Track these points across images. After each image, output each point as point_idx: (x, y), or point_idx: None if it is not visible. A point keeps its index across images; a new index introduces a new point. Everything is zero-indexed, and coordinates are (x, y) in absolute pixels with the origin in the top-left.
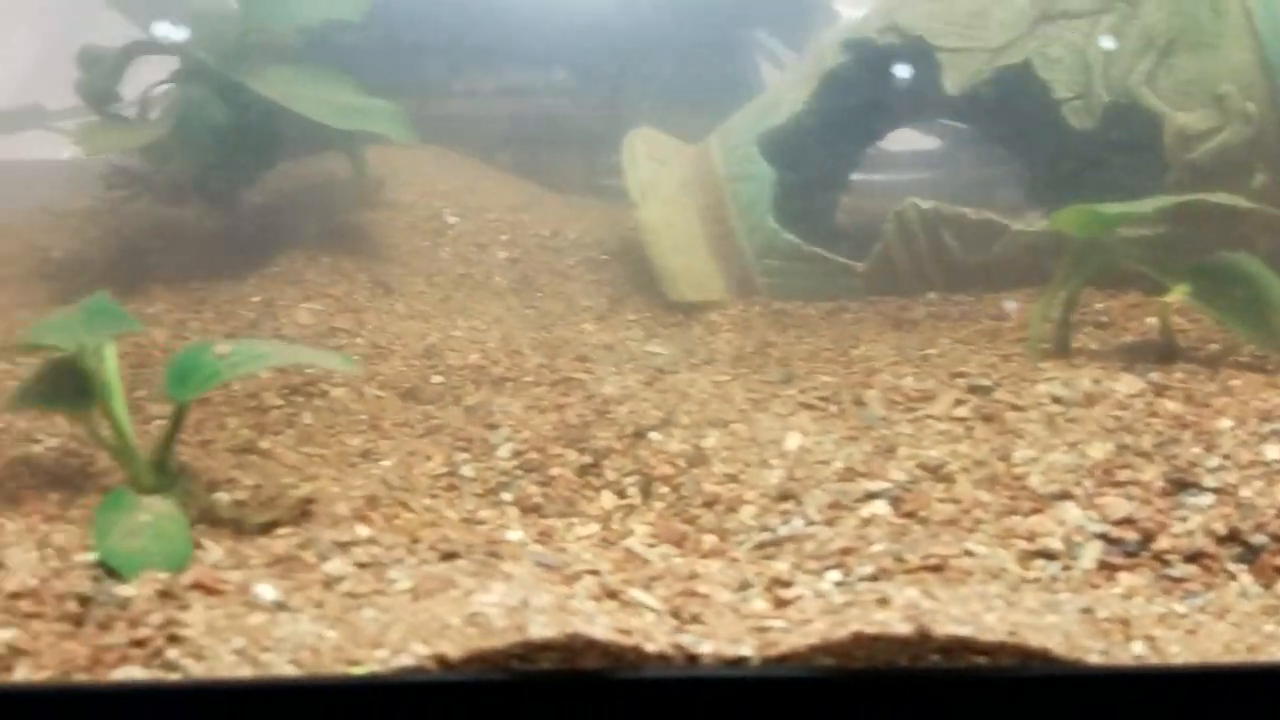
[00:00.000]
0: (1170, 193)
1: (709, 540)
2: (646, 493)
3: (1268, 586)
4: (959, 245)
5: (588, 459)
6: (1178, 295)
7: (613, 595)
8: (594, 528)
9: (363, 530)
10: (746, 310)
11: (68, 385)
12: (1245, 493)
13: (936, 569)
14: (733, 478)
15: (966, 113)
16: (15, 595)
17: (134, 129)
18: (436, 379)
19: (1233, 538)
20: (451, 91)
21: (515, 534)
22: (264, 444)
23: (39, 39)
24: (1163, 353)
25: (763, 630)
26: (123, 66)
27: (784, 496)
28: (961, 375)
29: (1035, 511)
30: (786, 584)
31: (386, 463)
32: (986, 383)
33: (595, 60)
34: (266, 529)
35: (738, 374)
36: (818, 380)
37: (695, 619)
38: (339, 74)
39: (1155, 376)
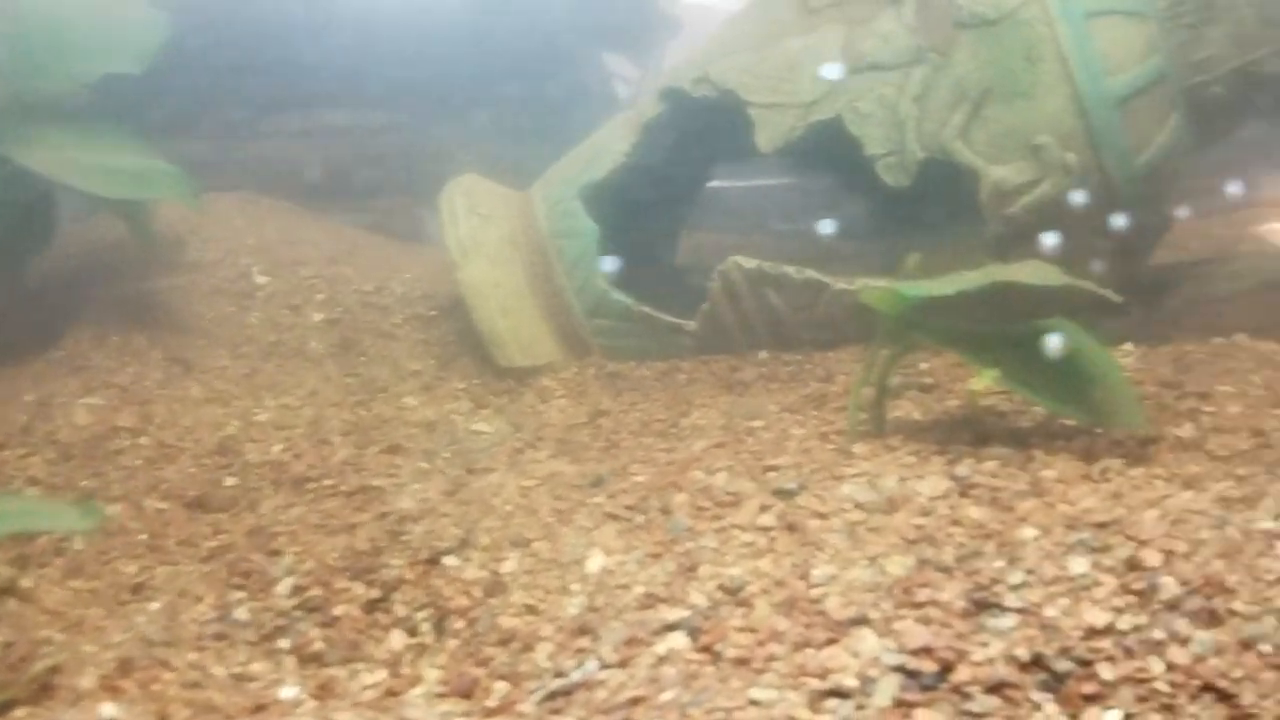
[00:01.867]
0: (990, 247)
1: (500, 688)
2: (439, 629)
3: (1074, 716)
4: (784, 304)
5: (376, 593)
6: (984, 382)
7: None
8: (381, 674)
9: (107, 709)
10: (581, 373)
11: None
12: (1049, 612)
13: None
14: (531, 609)
15: (786, 166)
16: None
17: None
18: (230, 481)
19: (1037, 664)
20: (259, 133)
21: (290, 691)
22: (26, 581)
23: None
24: (977, 433)
25: None
26: None
27: (581, 630)
28: (773, 469)
29: (830, 642)
30: None
31: (155, 605)
32: (791, 485)
33: (425, 92)
34: (2, 710)
35: (551, 475)
36: (630, 482)
37: None
38: (121, 131)
39: (963, 470)
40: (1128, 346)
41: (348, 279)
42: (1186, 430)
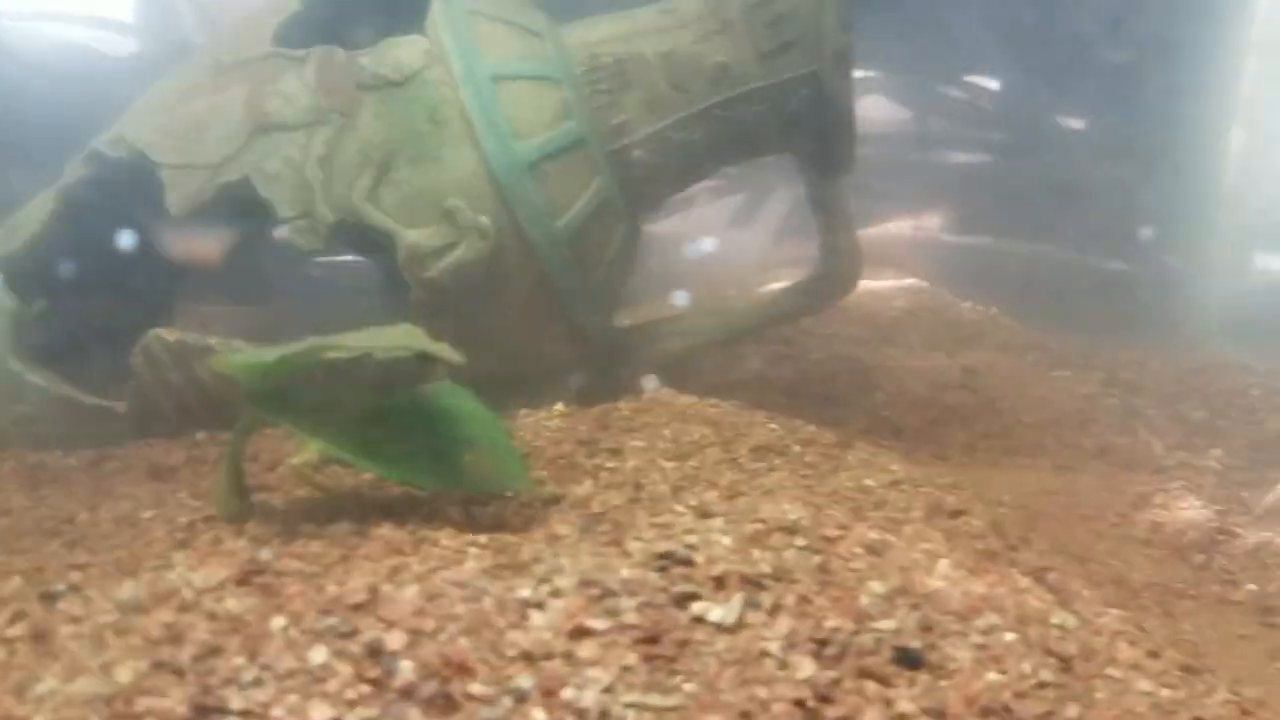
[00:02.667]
0: (413, 314)
1: None
2: None
3: None
4: (213, 378)
5: None
6: (306, 457)
7: None
8: None
9: None
10: None
11: None
12: (276, 712)
13: None
14: None
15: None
16: None
17: None
18: None
19: None
20: None
21: None
22: None
23: None
24: (330, 510)
25: None
26: None
27: None
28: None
29: None
30: None
31: None
32: (61, 587)
33: None
34: None
35: None
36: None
37: None
38: None
39: (266, 554)
40: (559, 407)
41: None
42: (585, 488)
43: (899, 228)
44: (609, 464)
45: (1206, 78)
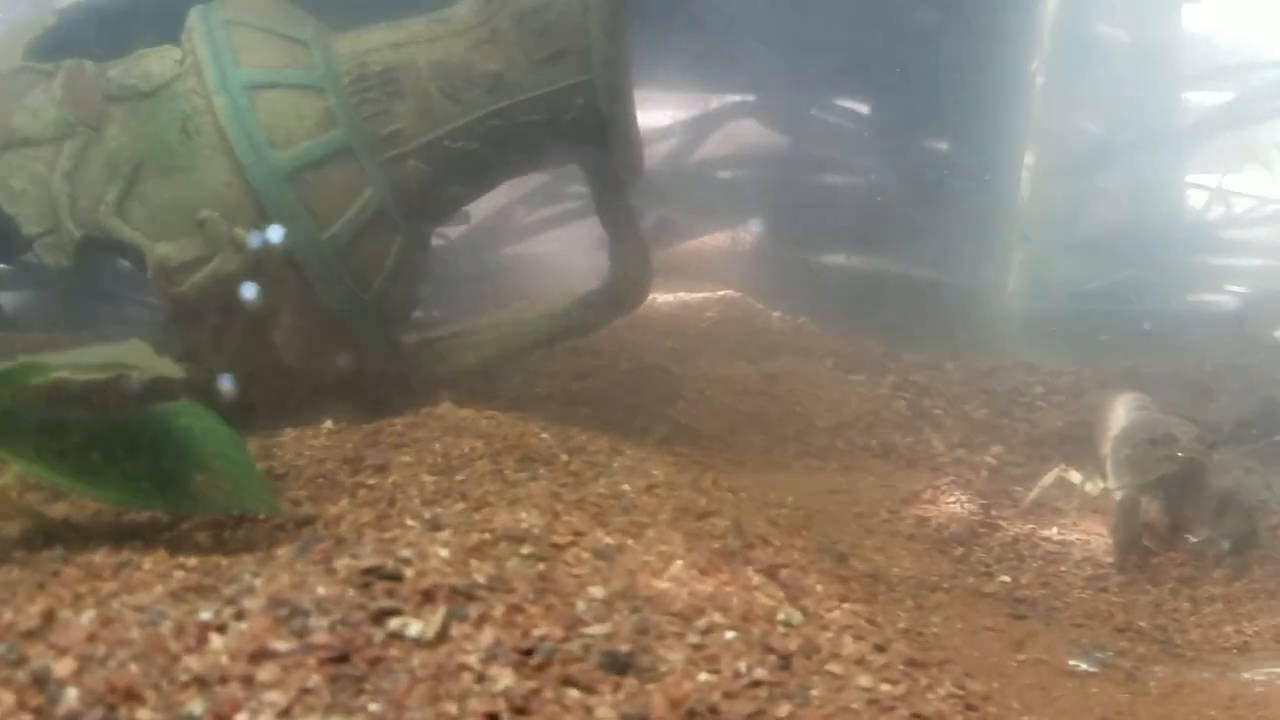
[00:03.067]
0: (161, 328)
1: None
2: None
3: None
4: None
5: None
6: (4, 480)
7: None
8: None
9: None
10: None
11: None
12: None
13: None
14: None
15: None
16: None
17: None
18: None
19: None
20: None
21: None
22: None
23: None
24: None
25: None
26: None
27: None
28: None
29: None
30: None
31: None
32: None
33: None
34: None
35: None
36: None
37: None
38: None
39: None
40: (328, 425)
41: None
42: (340, 506)
43: (717, 241)
44: (370, 480)
45: (1005, 98)
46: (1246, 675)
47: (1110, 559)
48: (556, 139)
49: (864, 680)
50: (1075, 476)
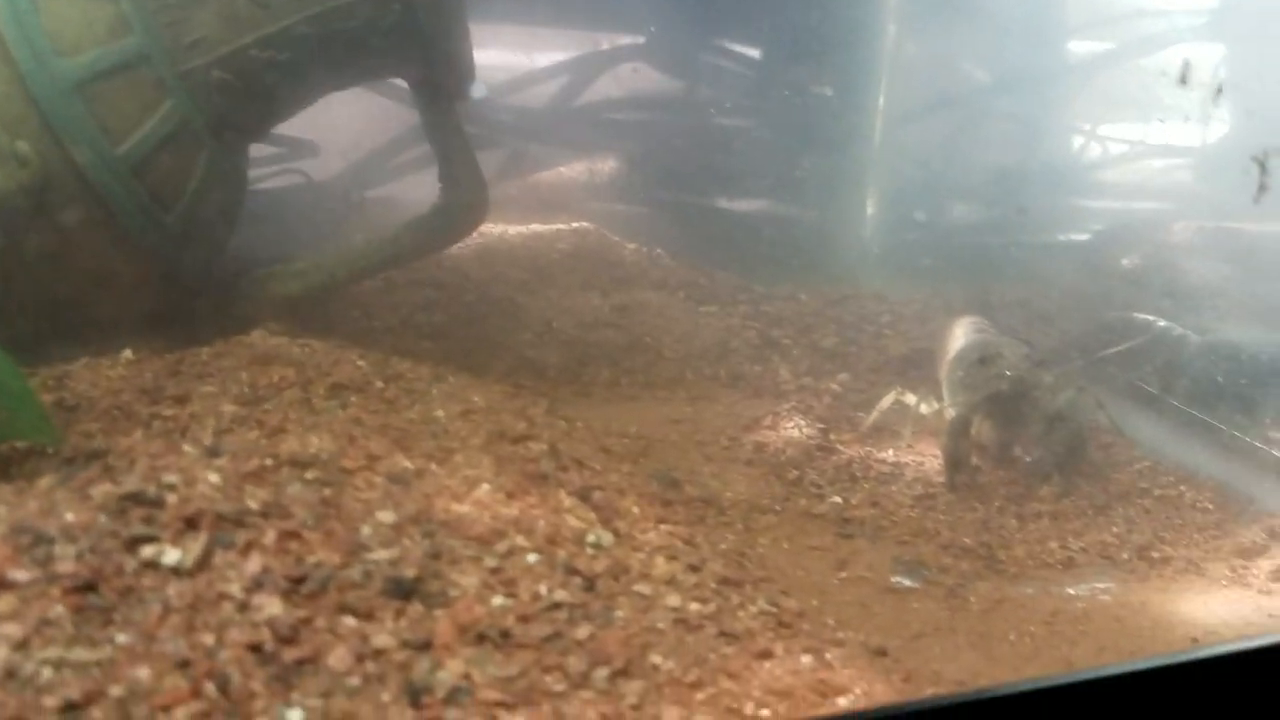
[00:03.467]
0: None
1: None
2: None
3: None
4: None
5: None
6: None
7: None
8: None
9: None
10: None
11: None
12: None
13: None
14: None
15: None
16: None
17: None
18: None
19: None
20: None
21: None
22: None
23: None
24: None
25: None
26: None
27: None
28: None
29: None
30: None
31: None
32: None
33: None
34: None
35: None
36: None
37: None
38: None
39: None
40: (127, 354)
41: None
42: (134, 438)
43: (573, 172)
44: (167, 412)
45: (863, 42)
46: (1070, 590)
47: (940, 478)
48: (373, 50)
49: (672, 600)
50: (911, 399)
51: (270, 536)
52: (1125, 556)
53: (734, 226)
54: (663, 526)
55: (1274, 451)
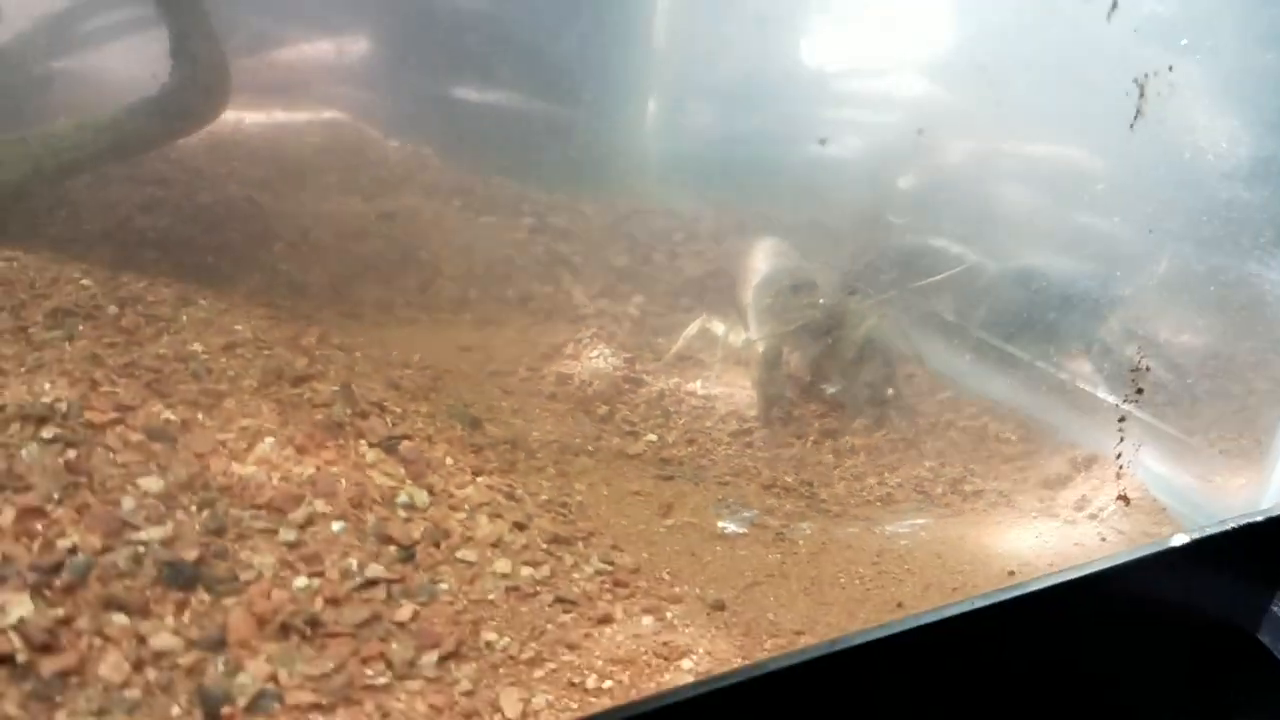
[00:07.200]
0: None
1: None
2: None
3: None
4: None
5: None
6: None
7: None
8: None
9: None
10: None
11: None
12: None
13: None
14: None
15: None
16: None
17: None
18: None
19: None
20: None
21: None
22: None
23: None
24: None
25: None
26: None
27: None
28: None
29: None
30: None
31: None
32: None
33: None
34: None
35: None
36: None
37: None
38: None
39: None
40: None
41: None
42: None
43: (320, 51)
44: None
45: None
46: (890, 529)
47: (754, 412)
48: None
49: (502, 565)
50: (719, 327)
51: (7, 516)
52: (940, 491)
53: (507, 126)
54: (480, 479)
55: (1075, 382)
